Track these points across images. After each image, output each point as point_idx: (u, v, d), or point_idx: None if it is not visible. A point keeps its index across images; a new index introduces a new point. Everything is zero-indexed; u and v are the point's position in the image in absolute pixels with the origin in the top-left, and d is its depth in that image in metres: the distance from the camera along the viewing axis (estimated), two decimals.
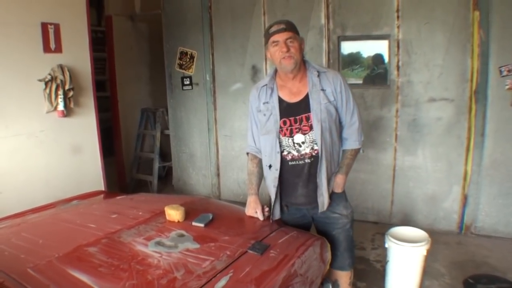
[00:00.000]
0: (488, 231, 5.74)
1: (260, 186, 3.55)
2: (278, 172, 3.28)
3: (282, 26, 3.13)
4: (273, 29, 3.15)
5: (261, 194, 3.56)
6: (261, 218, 3.33)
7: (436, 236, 5.14)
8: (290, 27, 3.15)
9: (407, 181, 6.12)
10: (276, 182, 3.31)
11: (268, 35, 3.20)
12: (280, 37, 3.10)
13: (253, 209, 3.39)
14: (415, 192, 6.10)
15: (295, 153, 3.24)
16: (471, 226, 5.82)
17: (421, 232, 4.47)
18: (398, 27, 5.78)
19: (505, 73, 5.29)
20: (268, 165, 3.38)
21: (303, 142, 3.21)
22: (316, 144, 3.19)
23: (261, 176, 3.53)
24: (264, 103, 3.31)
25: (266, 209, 3.42)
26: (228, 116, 7.30)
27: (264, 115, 3.30)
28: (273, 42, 3.15)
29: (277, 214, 3.42)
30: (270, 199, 3.50)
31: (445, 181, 5.90)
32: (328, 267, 3.10)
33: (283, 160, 3.27)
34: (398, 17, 5.75)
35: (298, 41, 3.17)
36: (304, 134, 3.20)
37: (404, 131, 6.00)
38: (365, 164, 6.14)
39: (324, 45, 6.25)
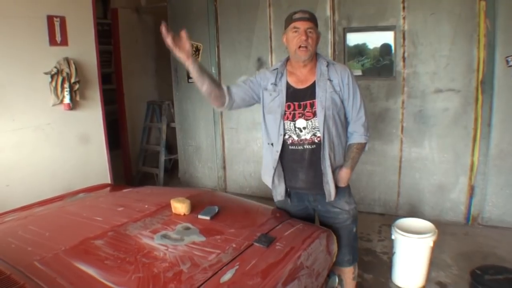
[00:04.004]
0: (495, 221, 5.73)
1: (204, 72, 3.27)
2: (278, 154, 3.31)
3: (307, 15, 3.19)
4: (297, 15, 3.19)
5: (266, 187, 3.55)
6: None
7: (443, 227, 5.14)
8: (313, 18, 3.23)
9: (413, 173, 6.11)
10: (275, 164, 3.33)
11: (290, 20, 3.23)
12: (302, 25, 3.16)
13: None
14: (422, 184, 6.09)
15: (295, 138, 3.28)
16: (478, 217, 5.81)
17: (428, 224, 4.49)
18: (404, 18, 5.75)
19: (511, 63, 5.26)
20: (270, 143, 3.40)
21: (304, 128, 3.24)
22: (318, 131, 3.21)
23: (212, 82, 3.32)
24: (272, 84, 3.36)
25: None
26: None
27: (270, 95, 3.35)
28: (294, 28, 3.19)
29: (280, 195, 3.43)
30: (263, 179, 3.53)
31: (452, 172, 5.88)
32: (334, 259, 3.10)
33: (284, 143, 3.30)
34: (404, 8, 5.72)
35: (317, 34, 3.23)
36: (307, 120, 3.23)
37: (411, 123, 5.98)
38: (371, 156, 6.13)
39: (330, 36, 6.23)
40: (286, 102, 3.27)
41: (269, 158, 3.39)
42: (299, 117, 3.24)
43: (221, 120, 7.43)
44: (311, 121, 3.22)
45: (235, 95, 3.42)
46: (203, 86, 3.26)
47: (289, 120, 3.26)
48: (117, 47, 8.05)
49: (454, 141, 5.79)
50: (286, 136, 3.29)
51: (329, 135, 3.22)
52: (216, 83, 3.36)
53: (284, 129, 3.28)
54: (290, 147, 3.30)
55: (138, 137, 8.58)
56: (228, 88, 3.42)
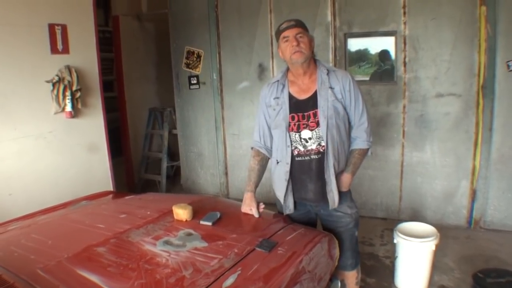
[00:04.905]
0: (498, 225, 5.74)
1: (259, 183, 3.58)
2: (289, 166, 3.31)
3: (292, 22, 3.23)
4: (284, 25, 3.24)
5: (269, 192, 3.57)
6: (256, 215, 3.34)
7: (445, 231, 5.16)
8: (300, 24, 3.25)
9: (415, 177, 6.12)
10: (287, 176, 3.33)
11: (279, 33, 3.28)
12: (290, 33, 3.19)
13: (248, 206, 3.40)
14: (424, 188, 6.09)
15: (302, 149, 3.28)
16: (480, 220, 5.81)
17: (430, 227, 4.50)
18: (404, 23, 5.77)
19: None
20: (276, 160, 3.42)
21: (309, 138, 3.25)
22: (322, 140, 3.22)
23: (260, 174, 3.58)
24: (274, 98, 3.37)
25: (262, 206, 3.42)
26: (236, 115, 7.30)
27: (274, 109, 3.36)
28: (284, 38, 3.23)
29: (289, 209, 3.44)
30: (277, 199, 3.52)
31: (454, 176, 5.89)
32: (336, 263, 3.11)
33: (291, 155, 3.30)
34: (404, 13, 5.74)
35: (308, 37, 3.25)
36: (311, 130, 3.24)
37: (412, 127, 5.99)
38: (373, 161, 6.13)
39: (331, 42, 6.25)
40: (290, 113, 3.29)
41: (280, 172, 3.39)
42: (304, 128, 3.26)
43: (222, 127, 7.44)
44: (315, 131, 3.23)
45: (270, 143, 3.55)
46: None
47: (294, 132, 3.28)
48: (118, 54, 8.06)
49: (455, 146, 5.79)
50: (292, 148, 3.30)
51: (333, 143, 3.24)
52: (262, 171, 3.65)
53: (290, 140, 3.29)
54: (296, 158, 3.31)
55: (140, 144, 8.58)
56: (265, 145, 3.57)
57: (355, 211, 3.48)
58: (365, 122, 3.36)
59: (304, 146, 3.27)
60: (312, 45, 3.29)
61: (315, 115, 3.23)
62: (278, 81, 3.41)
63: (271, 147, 3.51)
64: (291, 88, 3.35)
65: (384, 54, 6.09)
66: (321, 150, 3.25)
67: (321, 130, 3.21)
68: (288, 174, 3.33)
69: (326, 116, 3.19)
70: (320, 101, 3.22)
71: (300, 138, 3.27)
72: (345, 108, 3.29)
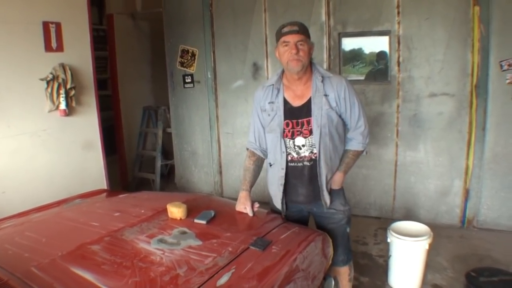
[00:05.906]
0: (491, 224, 5.76)
1: (255, 182, 3.59)
2: (284, 171, 3.33)
3: (295, 28, 3.13)
4: (286, 29, 3.15)
5: (263, 191, 3.58)
6: (250, 214, 3.33)
7: (438, 230, 5.17)
8: (303, 30, 3.17)
9: (408, 176, 6.13)
10: (282, 181, 3.34)
11: (280, 35, 3.20)
12: (292, 39, 3.12)
13: (242, 205, 3.40)
14: (417, 187, 6.11)
15: (295, 155, 3.30)
16: (474, 220, 5.83)
17: (423, 227, 4.51)
18: (398, 23, 5.78)
19: (505, 67, 5.29)
20: (270, 163, 3.44)
21: (303, 145, 3.26)
22: (315, 148, 3.23)
23: (256, 174, 3.57)
24: (269, 103, 3.35)
25: (256, 205, 3.42)
26: (230, 114, 7.30)
27: (269, 115, 3.35)
28: (284, 42, 3.15)
29: (283, 209, 3.46)
30: (270, 198, 3.55)
31: (447, 175, 5.91)
32: (330, 262, 3.11)
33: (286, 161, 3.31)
34: (398, 13, 5.75)
35: (308, 45, 3.19)
36: (305, 137, 3.25)
37: (406, 127, 6.01)
38: (367, 160, 6.14)
39: (325, 41, 6.26)
40: (284, 119, 3.27)
41: (275, 176, 3.42)
42: (298, 135, 3.26)
43: (217, 125, 7.44)
44: (308, 138, 3.24)
45: (266, 145, 3.53)
46: None
47: (289, 138, 3.28)
48: (112, 52, 8.04)
49: (449, 145, 5.81)
50: (286, 153, 3.31)
51: (325, 151, 3.25)
52: (257, 171, 3.63)
53: (285, 146, 3.29)
54: (289, 164, 3.32)
55: (134, 143, 8.56)
56: (260, 147, 3.55)
57: (348, 208, 3.50)
58: (362, 126, 3.36)
59: (298, 153, 3.29)
60: (311, 52, 3.24)
61: (308, 123, 3.23)
62: (273, 85, 3.37)
63: (267, 149, 3.50)
64: (286, 93, 3.33)
65: (378, 54, 6.09)
66: (313, 157, 3.26)
67: (314, 138, 3.22)
68: (283, 179, 3.34)
69: (320, 125, 3.19)
70: (314, 109, 3.21)
71: (294, 145, 3.28)
72: (340, 115, 3.28)
